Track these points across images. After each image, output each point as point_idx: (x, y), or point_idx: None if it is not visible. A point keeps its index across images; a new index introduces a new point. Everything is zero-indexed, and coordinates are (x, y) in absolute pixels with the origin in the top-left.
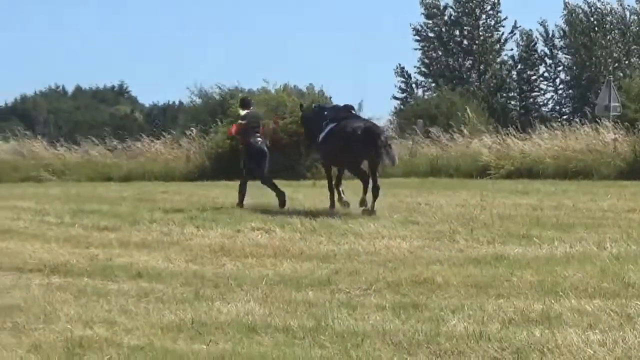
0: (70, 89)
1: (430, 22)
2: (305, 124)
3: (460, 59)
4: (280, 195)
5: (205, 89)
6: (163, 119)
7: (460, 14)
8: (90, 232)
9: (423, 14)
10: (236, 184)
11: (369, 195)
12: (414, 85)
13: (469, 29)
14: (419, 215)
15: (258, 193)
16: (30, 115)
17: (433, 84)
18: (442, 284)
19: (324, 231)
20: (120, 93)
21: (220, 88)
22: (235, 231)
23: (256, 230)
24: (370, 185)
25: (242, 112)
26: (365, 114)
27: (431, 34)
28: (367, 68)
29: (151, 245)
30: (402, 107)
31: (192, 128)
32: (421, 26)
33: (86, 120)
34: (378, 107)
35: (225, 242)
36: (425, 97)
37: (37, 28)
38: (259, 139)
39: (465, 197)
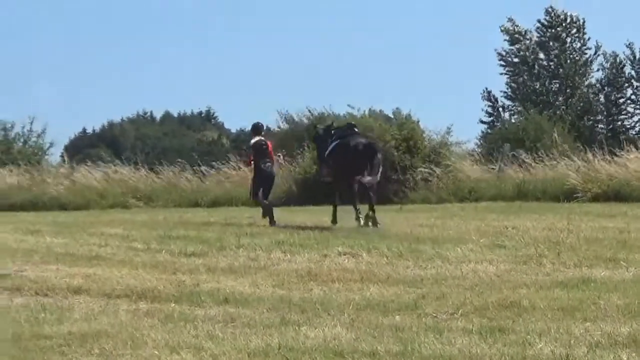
0: (158, 115)
1: (514, 47)
2: (315, 142)
3: (546, 83)
4: (270, 218)
5: (292, 114)
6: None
7: (547, 39)
8: (177, 258)
9: (506, 40)
10: (322, 209)
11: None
12: (500, 109)
13: (556, 52)
14: (506, 239)
15: (346, 216)
16: (118, 142)
17: (520, 108)
18: (528, 307)
19: (410, 256)
20: (207, 119)
21: (310, 112)
22: (322, 256)
23: (343, 255)
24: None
25: (252, 140)
26: (452, 138)
27: (516, 60)
28: (455, 92)
29: (238, 270)
30: (489, 131)
31: (279, 154)
32: (506, 52)
33: (173, 146)
34: (465, 131)
35: (312, 267)
36: (512, 121)
37: (124, 54)
38: (268, 163)
39: (552, 221)
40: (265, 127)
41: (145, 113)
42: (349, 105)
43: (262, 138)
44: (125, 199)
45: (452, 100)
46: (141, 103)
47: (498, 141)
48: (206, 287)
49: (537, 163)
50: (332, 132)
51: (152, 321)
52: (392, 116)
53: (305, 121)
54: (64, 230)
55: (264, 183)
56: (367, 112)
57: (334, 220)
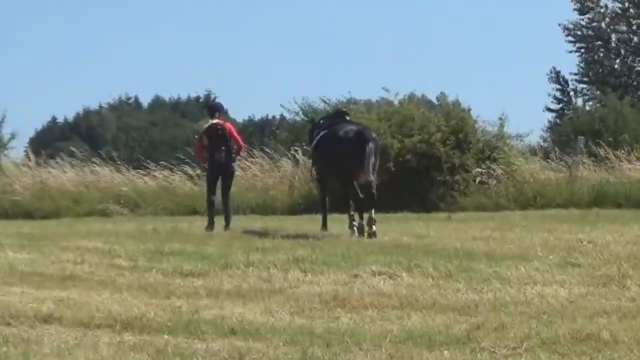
0: (145, 100)
1: (585, 18)
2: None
3: (628, 61)
4: (210, 221)
5: (311, 103)
6: (261, 137)
7: (627, 6)
8: (171, 278)
9: (575, 9)
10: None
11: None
12: (571, 94)
13: (639, 22)
14: (580, 255)
15: (382, 227)
16: (96, 134)
17: (597, 92)
18: (609, 340)
19: (462, 276)
20: (206, 106)
21: (325, 102)
22: (351, 276)
23: (378, 275)
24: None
25: (207, 124)
26: (511, 129)
27: (589, 32)
28: (512, 74)
29: (247, 294)
30: (557, 121)
31: (297, 148)
32: (573, 25)
33: (165, 139)
34: (526, 121)
35: (339, 290)
36: (587, 108)
37: (103, 27)
38: (223, 153)
39: (637, 233)
40: (226, 109)
41: (129, 98)
42: (384, 89)
43: (218, 121)
44: (106, 205)
45: (510, 84)
46: (124, 86)
47: (570, 134)
48: (207, 314)
49: (618, 161)
50: (321, 121)
51: (140, 356)
52: (437, 102)
53: (328, 110)
54: (30, 243)
55: (215, 176)
56: (406, 98)
57: (324, 226)
